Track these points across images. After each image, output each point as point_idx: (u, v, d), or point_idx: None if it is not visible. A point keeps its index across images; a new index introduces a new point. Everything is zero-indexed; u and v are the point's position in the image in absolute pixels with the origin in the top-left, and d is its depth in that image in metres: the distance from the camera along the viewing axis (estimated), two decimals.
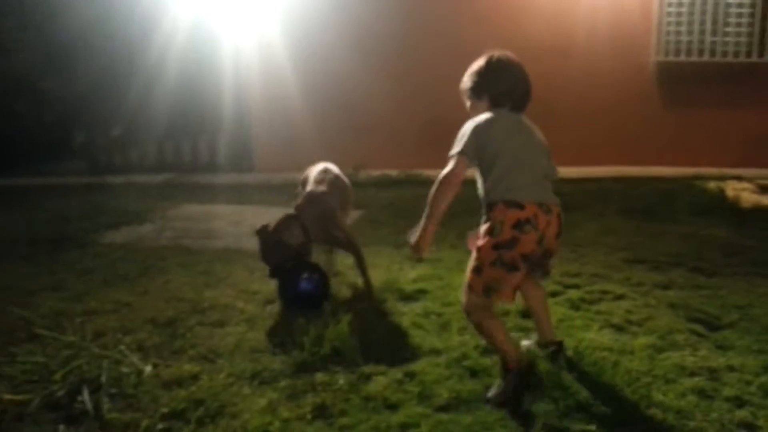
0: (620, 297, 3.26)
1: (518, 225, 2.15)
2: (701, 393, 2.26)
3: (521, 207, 2.15)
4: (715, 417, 2.11)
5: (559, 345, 2.47)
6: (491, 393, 2.22)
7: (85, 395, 2.16)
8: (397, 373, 2.39)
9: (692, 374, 2.41)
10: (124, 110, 7.50)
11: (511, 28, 7.02)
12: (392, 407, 2.16)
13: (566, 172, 6.68)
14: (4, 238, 4.33)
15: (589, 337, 2.70)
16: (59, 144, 8.87)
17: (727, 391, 2.27)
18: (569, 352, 2.50)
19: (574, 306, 3.10)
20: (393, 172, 6.91)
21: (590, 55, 7.04)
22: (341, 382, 2.33)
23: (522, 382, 2.19)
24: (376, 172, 6.88)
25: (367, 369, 2.42)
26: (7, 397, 2.17)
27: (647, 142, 7.01)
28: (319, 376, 2.36)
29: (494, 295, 2.20)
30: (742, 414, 2.13)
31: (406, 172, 6.86)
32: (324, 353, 2.50)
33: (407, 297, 3.20)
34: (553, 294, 3.26)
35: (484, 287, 2.19)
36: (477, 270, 2.22)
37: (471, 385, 2.29)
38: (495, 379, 2.30)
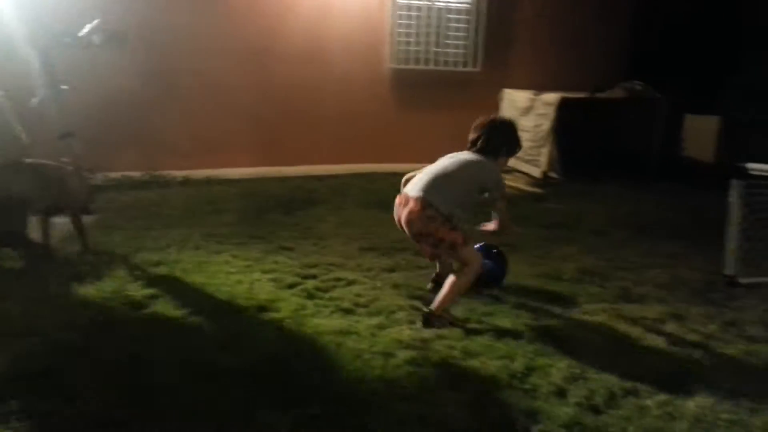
0: (352, 282, 3.48)
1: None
2: (413, 362, 2.52)
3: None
4: (423, 384, 2.36)
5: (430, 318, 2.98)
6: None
7: None
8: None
9: (407, 347, 2.67)
10: None
11: (267, 35, 7.05)
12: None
13: (312, 170, 7.01)
14: None
15: (320, 323, 2.83)
16: None
17: (435, 357, 2.58)
18: (300, 340, 2.60)
19: (310, 295, 3.23)
20: (136, 174, 6.43)
21: (341, 63, 7.40)
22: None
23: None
24: (116, 174, 6.34)
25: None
26: None
27: (384, 140, 7.60)
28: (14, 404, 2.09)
29: None
30: (444, 377, 2.42)
31: (151, 174, 6.45)
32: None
33: (137, 304, 3.00)
34: (291, 286, 3.35)
35: None
36: None
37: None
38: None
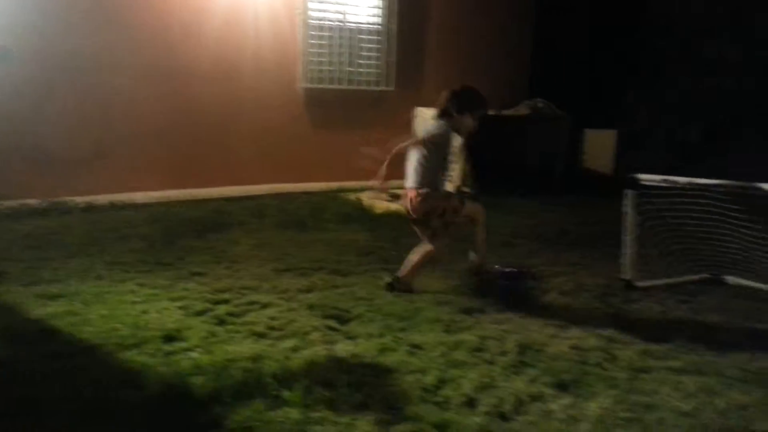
0: (266, 305, 3.42)
1: None
2: (327, 383, 2.49)
3: None
4: (337, 405, 2.33)
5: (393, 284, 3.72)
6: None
7: None
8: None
9: (322, 368, 2.64)
10: None
11: (174, 53, 6.86)
12: None
13: (226, 191, 6.85)
14: None
15: (231, 349, 2.76)
16: None
17: (350, 378, 2.55)
18: (210, 370, 2.52)
19: (221, 321, 3.14)
20: (34, 201, 6.05)
21: (253, 82, 7.30)
22: None
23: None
24: (11, 203, 5.94)
25: None
26: None
27: (299, 160, 7.56)
28: None
29: None
30: (358, 396, 2.40)
31: (51, 200, 6.09)
32: None
33: (31, 340, 2.80)
34: (201, 313, 3.25)
35: None
36: None
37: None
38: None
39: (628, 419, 2.31)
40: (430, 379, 2.56)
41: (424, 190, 3.64)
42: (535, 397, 2.44)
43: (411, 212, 3.74)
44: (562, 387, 2.54)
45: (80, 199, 6.15)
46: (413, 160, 3.70)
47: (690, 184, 3.79)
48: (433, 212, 3.67)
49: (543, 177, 7.36)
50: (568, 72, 8.43)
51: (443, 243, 3.76)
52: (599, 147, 8.12)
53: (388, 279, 3.79)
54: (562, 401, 2.42)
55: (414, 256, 3.74)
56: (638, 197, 3.99)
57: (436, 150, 3.66)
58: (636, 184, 3.98)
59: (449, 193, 3.78)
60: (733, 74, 7.65)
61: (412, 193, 3.67)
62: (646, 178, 3.95)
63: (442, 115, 3.74)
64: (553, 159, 7.59)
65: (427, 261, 3.76)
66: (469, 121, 3.75)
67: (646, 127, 8.29)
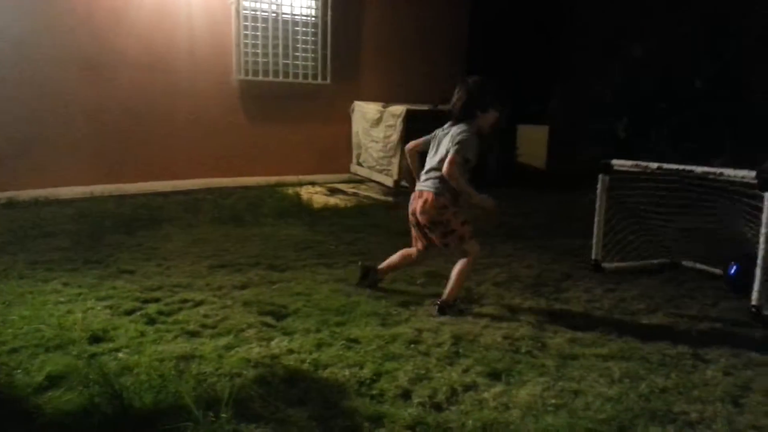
0: (200, 303, 3.34)
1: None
2: (262, 381, 2.46)
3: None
4: (271, 402, 2.30)
5: (370, 269, 3.68)
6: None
7: None
8: None
9: (256, 365, 2.61)
10: None
11: (100, 41, 6.55)
12: None
13: (158, 186, 6.64)
14: None
15: (161, 349, 2.68)
16: None
17: (284, 373, 2.54)
18: (138, 370, 2.44)
19: (151, 320, 3.04)
20: None
21: (186, 73, 7.08)
22: None
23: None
24: None
25: None
26: None
27: (235, 154, 7.41)
28: None
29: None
30: (293, 392, 2.39)
31: None
32: None
33: None
34: (129, 312, 3.14)
35: None
36: None
37: None
38: None
39: (557, 405, 2.39)
40: (366, 372, 2.57)
41: (444, 199, 3.30)
42: (469, 387, 2.49)
43: (419, 215, 3.40)
44: (494, 376, 2.60)
45: (1, 195, 5.82)
46: (438, 163, 3.33)
47: (660, 168, 3.83)
48: (441, 226, 3.36)
49: (477, 170, 7.48)
50: (502, 68, 8.61)
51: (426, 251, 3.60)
52: (532, 142, 8.36)
53: (362, 264, 3.75)
54: (495, 390, 2.47)
55: (395, 257, 3.68)
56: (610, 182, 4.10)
57: (464, 163, 3.29)
58: (610, 169, 4.09)
59: (466, 220, 3.38)
60: (655, 71, 8.03)
61: (429, 196, 3.32)
62: (619, 163, 4.06)
63: (465, 117, 3.34)
64: (487, 153, 7.74)
65: (405, 263, 3.68)
66: (493, 116, 3.39)
67: (576, 123, 8.59)
